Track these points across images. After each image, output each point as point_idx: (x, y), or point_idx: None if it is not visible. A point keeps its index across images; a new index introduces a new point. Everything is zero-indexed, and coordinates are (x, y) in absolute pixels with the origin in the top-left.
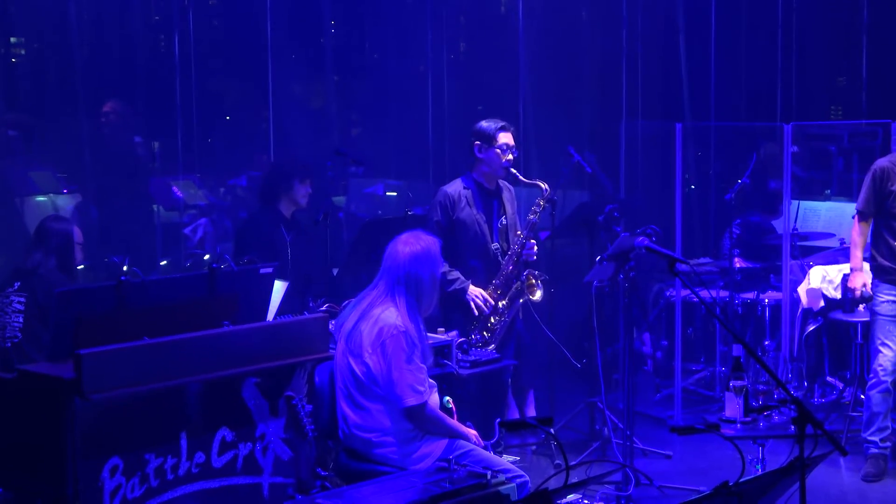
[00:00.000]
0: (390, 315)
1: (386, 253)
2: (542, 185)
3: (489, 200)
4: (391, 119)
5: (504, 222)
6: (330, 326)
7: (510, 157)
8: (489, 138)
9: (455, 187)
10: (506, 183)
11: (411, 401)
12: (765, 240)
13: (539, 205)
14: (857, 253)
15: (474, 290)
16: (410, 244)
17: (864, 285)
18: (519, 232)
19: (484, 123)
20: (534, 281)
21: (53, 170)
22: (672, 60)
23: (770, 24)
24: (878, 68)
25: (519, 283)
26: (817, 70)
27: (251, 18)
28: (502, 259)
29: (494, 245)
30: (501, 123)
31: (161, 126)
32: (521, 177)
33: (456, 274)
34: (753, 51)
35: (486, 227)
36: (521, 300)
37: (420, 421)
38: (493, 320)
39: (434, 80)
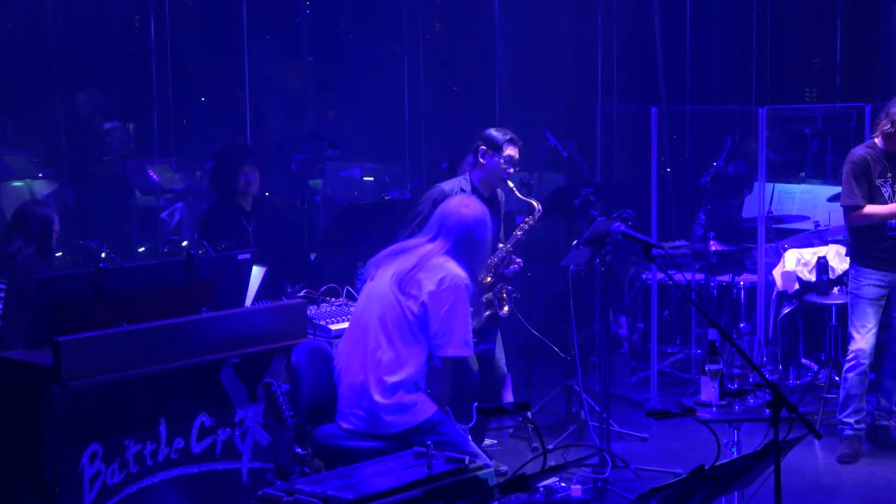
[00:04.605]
0: (456, 268)
1: (441, 212)
2: (536, 205)
3: None
4: (367, 100)
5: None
6: (309, 312)
7: (511, 170)
8: (497, 146)
9: (451, 186)
10: (499, 191)
11: (459, 352)
12: (733, 224)
13: (527, 223)
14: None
15: None
16: (472, 207)
17: None
18: (501, 245)
19: (493, 131)
20: (505, 296)
21: (28, 153)
22: (647, 44)
23: (745, 7)
24: (852, 51)
25: (491, 293)
26: (792, 53)
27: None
28: None
29: None
30: (511, 136)
31: (136, 108)
32: (516, 191)
33: None
34: (728, 34)
35: None
36: (487, 312)
37: (448, 374)
38: None
39: (410, 62)
